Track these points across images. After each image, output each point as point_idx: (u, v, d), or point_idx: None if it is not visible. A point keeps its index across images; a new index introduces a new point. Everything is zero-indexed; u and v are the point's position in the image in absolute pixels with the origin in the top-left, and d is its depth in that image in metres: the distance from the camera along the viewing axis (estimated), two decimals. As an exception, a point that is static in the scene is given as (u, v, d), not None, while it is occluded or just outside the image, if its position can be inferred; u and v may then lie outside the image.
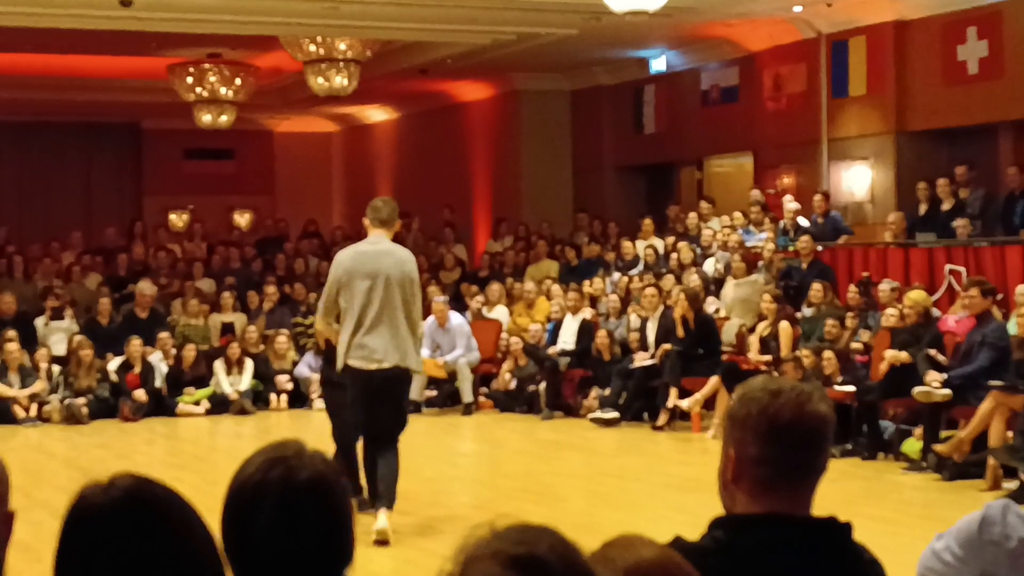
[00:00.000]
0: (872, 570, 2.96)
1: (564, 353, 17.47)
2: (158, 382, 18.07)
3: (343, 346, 9.46)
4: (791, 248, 17.23)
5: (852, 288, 15.64)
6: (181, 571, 2.26)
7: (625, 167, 23.33)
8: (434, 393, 18.26)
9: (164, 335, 18.57)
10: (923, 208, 17.02)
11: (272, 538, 2.64)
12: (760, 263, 17.25)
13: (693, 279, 17.02)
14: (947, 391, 12.31)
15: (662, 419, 15.67)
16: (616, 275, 19.00)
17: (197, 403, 18.07)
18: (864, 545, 2.96)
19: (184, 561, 2.26)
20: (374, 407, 9.41)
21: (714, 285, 17.42)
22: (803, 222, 17.71)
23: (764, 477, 2.88)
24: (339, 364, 9.55)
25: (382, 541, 9.06)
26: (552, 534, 1.98)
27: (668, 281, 17.33)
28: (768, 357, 15.18)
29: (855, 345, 14.65)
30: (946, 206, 16.68)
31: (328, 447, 10.18)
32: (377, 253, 9.56)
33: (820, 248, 17.06)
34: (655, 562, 2.24)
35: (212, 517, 2.73)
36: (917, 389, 12.43)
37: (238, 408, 17.92)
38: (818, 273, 16.39)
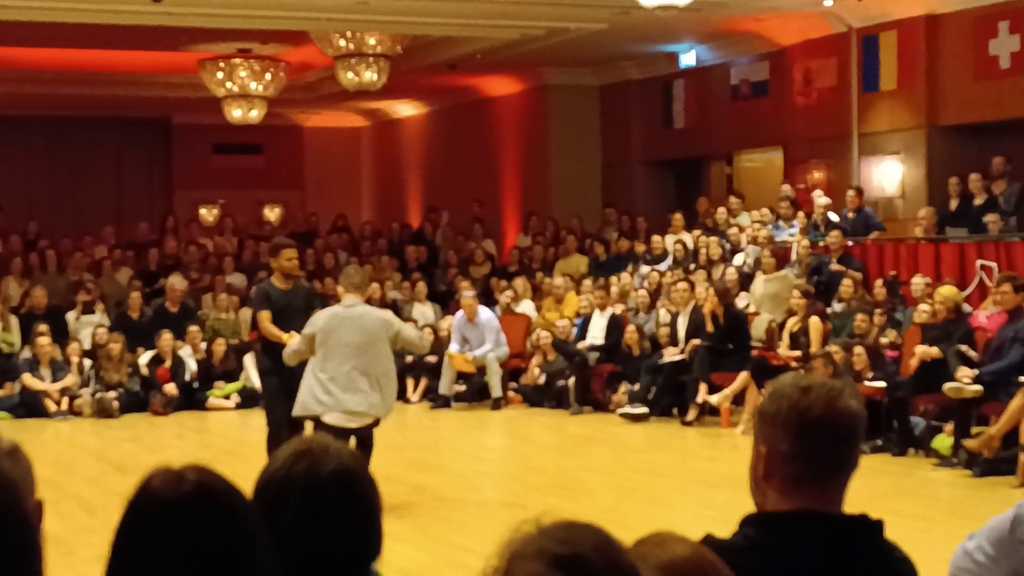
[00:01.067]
0: (903, 568, 2.95)
1: (593, 348, 17.46)
2: (188, 376, 18.14)
3: (312, 385, 10.18)
4: (821, 243, 17.16)
5: (879, 283, 15.60)
6: (243, 566, 2.26)
7: (654, 162, 23.29)
8: (463, 388, 18.28)
9: (194, 329, 18.64)
10: (954, 203, 16.94)
11: (299, 531, 2.66)
12: (794, 258, 17.19)
13: (730, 273, 16.98)
14: (978, 387, 12.27)
15: (691, 414, 15.65)
16: (645, 270, 18.98)
17: (227, 397, 18.13)
18: (895, 543, 2.95)
19: (248, 557, 2.26)
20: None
21: (743, 280, 17.37)
22: (833, 217, 17.64)
23: (795, 474, 2.86)
24: (303, 406, 10.22)
25: None
26: (597, 533, 1.97)
27: (700, 276, 17.28)
28: (798, 353, 15.15)
29: (885, 340, 14.60)
30: (978, 201, 16.60)
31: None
32: (354, 316, 10.34)
33: (851, 243, 17.00)
34: (689, 559, 2.24)
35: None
36: (948, 385, 12.39)
37: (268, 402, 17.94)
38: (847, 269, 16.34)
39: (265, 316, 11.06)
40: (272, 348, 10.92)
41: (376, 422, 10.37)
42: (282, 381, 10.81)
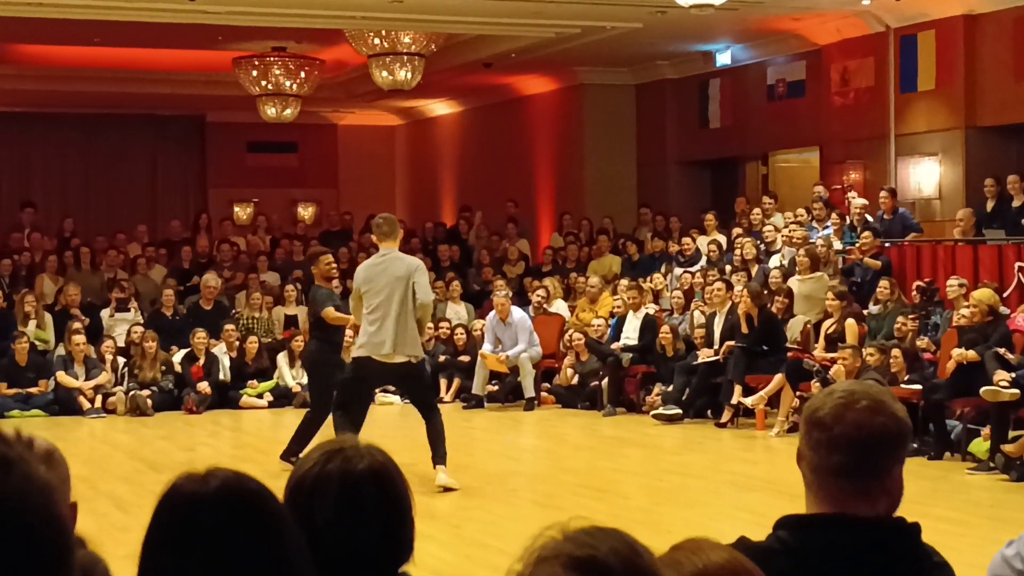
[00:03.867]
0: (941, 573, 2.91)
1: (627, 349, 17.39)
2: (222, 374, 18.16)
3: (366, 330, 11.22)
4: (856, 245, 17.06)
5: (915, 285, 15.51)
6: (274, 565, 2.23)
7: (689, 162, 23.22)
8: (496, 388, 18.25)
9: (230, 327, 18.66)
10: (990, 204, 16.80)
11: (336, 528, 2.67)
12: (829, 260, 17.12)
13: (774, 275, 16.89)
14: (1015, 390, 12.17)
15: (726, 416, 15.59)
16: (678, 270, 18.91)
17: (260, 396, 18.14)
18: (932, 547, 2.90)
19: (277, 555, 2.23)
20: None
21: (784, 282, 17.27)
22: (870, 218, 17.54)
23: (820, 481, 2.86)
24: (355, 352, 11.38)
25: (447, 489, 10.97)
26: (619, 536, 1.95)
27: (738, 278, 17.19)
28: (834, 355, 15.05)
29: (921, 343, 14.50)
30: (1016, 202, 16.47)
31: (388, 442, 10.32)
32: (387, 261, 11.30)
33: (887, 245, 16.89)
34: (723, 566, 2.21)
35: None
36: (985, 388, 12.28)
37: (301, 401, 17.94)
38: (880, 270, 16.26)
39: (331, 310, 12.29)
40: (333, 341, 12.24)
41: (421, 361, 11.57)
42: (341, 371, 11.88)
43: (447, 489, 10.99)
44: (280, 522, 2.26)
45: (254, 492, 2.27)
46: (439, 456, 11.16)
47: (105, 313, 19.11)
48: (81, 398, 17.41)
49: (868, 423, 2.84)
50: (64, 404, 17.42)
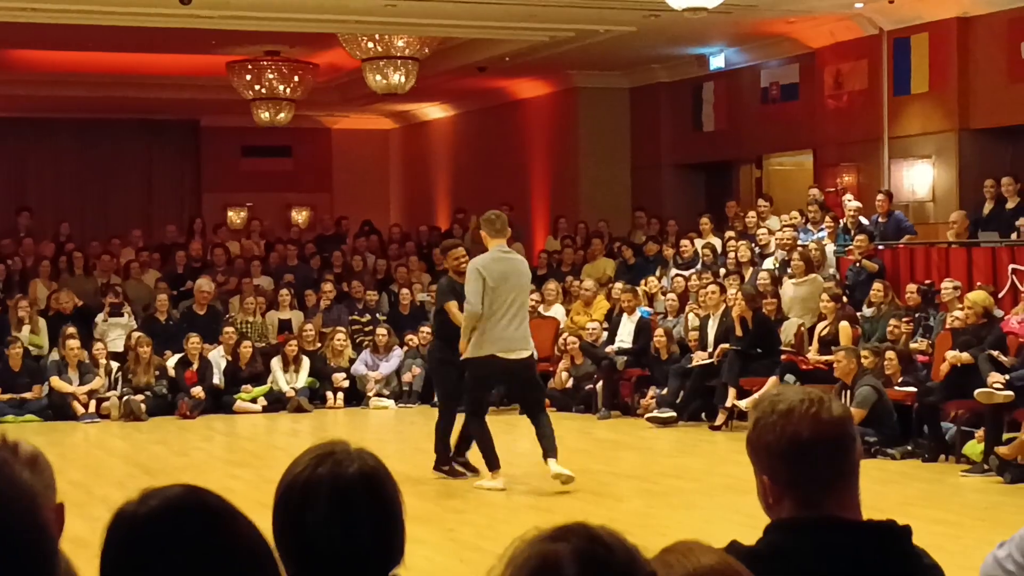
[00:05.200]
0: (933, 575, 2.90)
1: (621, 352, 17.39)
2: (216, 378, 18.15)
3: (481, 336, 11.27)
4: (849, 247, 17.07)
5: (911, 287, 15.50)
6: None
7: (684, 165, 23.22)
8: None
9: (229, 330, 18.64)
10: (988, 207, 16.80)
11: (327, 532, 2.66)
12: (826, 262, 17.13)
13: (762, 277, 16.89)
14: (1009, 392, 12.18)
15: (720, 419, 15.59)
16: (673, 273, 18.91)
17: (254, 400, 18.13)
18: (924, 549, 2.91)
19: (232, 568, 2.20)
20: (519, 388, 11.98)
21: (775, 285, 17.28)
22: (864, 221, 17.54)
23: (803, 495, 2.86)
24: (477, 352, 11.33)
25: (566, 480, 11.19)
26: (582, 533, 1.96)
27: (731, 281, 17.19)
28: (828, 357, 15.05)
29: (915, 345, 14.51)
30: (1010, 204, 16.47)
31: (383, 446, 10.43)
32: (511, 261, 11.54)
33: (881, 247, 16.89)
34: (714, 569, 2.21)
35: (270, 514, 2.71)
36: (979, 390, 12.29)
37: (295, 406, 17.97)
38: (870, 273, 16.26)
39: (453, 305, 12.07)
40: (451, 340, 11.94)
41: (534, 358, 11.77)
42: (460, 372, 11.88)
43: (565, 480, 11.22)
44: (231, 536, 2.22)
45: (197, 507, 2.23)
46: (551, 450, 11.34)
47: (99, 318, 19.09)
48: (75, 403, 17.39)
49: (837, 417, 2.86)
50: (58, 409, 17.39)
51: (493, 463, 11.57)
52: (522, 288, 11.49)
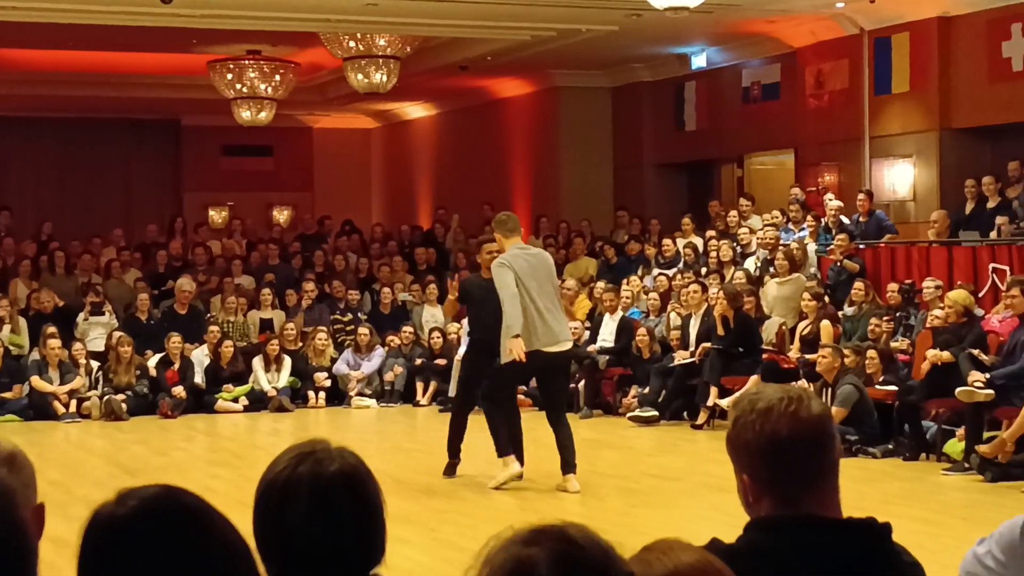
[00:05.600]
0: (912, 572, 2.92)
1: (603, 351, 17.39)
2: (198, 378, 18.11)
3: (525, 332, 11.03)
4: (830, 247, 17.09)
5: (892, 286, 15.53)
6: None
7: (665, 164, 23.24)
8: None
9: (213, 328, 18.60)
10: (969, 206, 16.84)
11: (307, 531, 2.66)
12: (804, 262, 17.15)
13: (738, 276, 16.90)
14: (990, 391, 12.20)
15: (702, 418, 15.60)
16: (655, 272, 18.92)
17: (235, 400, 18.09)
18: (904, 547, 2.91)
19: (209, 568, 2.20)
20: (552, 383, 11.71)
21: (753, 284, 17.29)
22: (845, 220, 17.57)
23: (783, 492, 2.86)
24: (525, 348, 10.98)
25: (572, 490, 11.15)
26: (577, 524, 1.94)
27: (713, 280, 17.21)
28: (811, 356, 15.07)
29: (896, 344, 14.53)
30: (991, 204, 16.52)
31: (364, 446, 10.41)
32: (535, 255, 11.57)
33: (862, 247, 16.92)
34: (694, 567, 2.21)
35: (250, 514, 2.70)
36: (960, 389, 12.31)
37: (276, 405, 17.94)
38: (852, 273, 16.29)
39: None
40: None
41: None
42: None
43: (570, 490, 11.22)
44: (208, 536, 2.21)
45: (174, 508, 2.22)
46: (571, 465, 11.38)
47: (80, 317, 19.02)
48: (56, 403, 17.32)
49: (815, 415, 2.86)
50: (39, 409, 17.33)
51: (504, 449, 11.63)
52: (550, 277, 11.43)
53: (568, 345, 11.48)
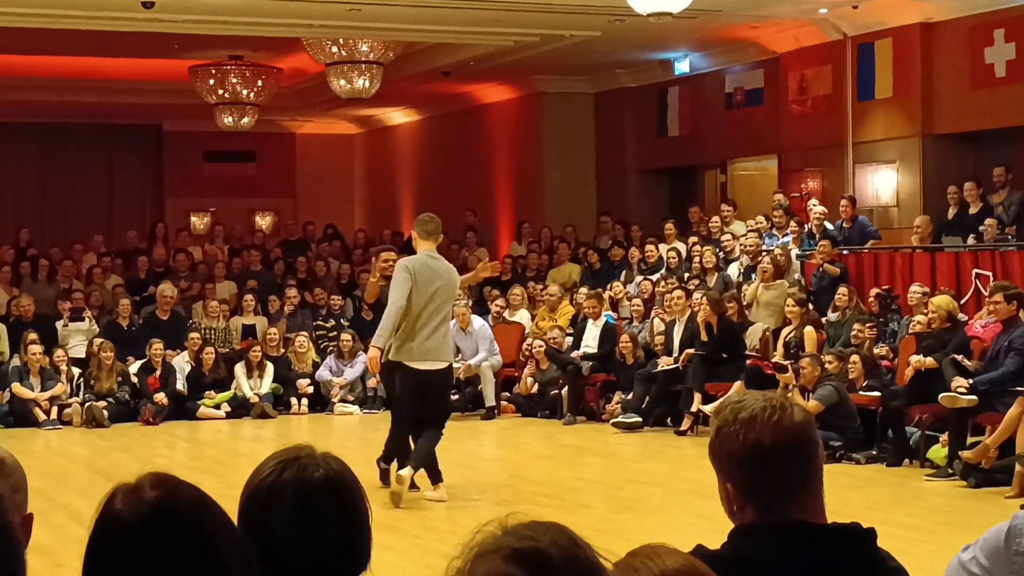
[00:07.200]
0: (897, 577, 2.90)
1: (587, 357, 17.37)
2: (179, 384, 18.04)
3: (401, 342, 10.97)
4: (812, 252, 17.09)
5: (875, 292, 15.55)
6: None
7: (648, 170, 23.24)
8: (455, 397, 18.18)
9: (194, 335, 18.54)
10: (951, 212, 16.87)
11: (292, 538, 2.65)
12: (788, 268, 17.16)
13: (731, 283, 16.93)
14: (973, 397, 12.21)
15: (685, 424, 15.59)
16: (639, 278, 18.91)
17: (218, 407, 18.03)
18: (888, 552, 2.90)
19: (215, 570, 2.18)
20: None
21: (736, 289, 17.30)
22: (828, 226, 17.58)
23: (767, 500, 2.85)
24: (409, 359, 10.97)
25: (396, 499, 10.65)
26: (559, 530, 1.98)
27: (696, 285, 17.20)
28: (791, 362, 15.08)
29: (877, 351, 14.54)
30: (973, 210, 16.54)
31: (347, 452, 10.35)
32: (443, 269, 11.28)
33: (845, 252, 16.93)
34: (680, 571, 2.20)
35: (233, 521, 2.68)
36: (943, 395, 12.32)
37: (259, 411, 17.89)
38: (834, 278, 16.29)
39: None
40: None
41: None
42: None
43: (395, 498, 10.71)
44: (219, 534, 2.21)
45: (190, 506, 2.22)
46: (417, 462, 10.96)
47: (60, 324, 18.95)
48: (36, 410, 17.24)
49: (798, 423, 2.85)
50: (19, 416, 17.24)
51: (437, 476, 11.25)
52: (448, 297, 11.21)
53: (444, 365, 11.14)
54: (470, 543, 1.94)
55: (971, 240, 15.97)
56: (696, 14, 16.41)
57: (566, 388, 17.28)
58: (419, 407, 11.09)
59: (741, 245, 17.93)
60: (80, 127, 27.11)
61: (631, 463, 14.06)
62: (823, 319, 15.79)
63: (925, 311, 13.83)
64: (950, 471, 12.05)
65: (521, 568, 1.89)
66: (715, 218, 19.46)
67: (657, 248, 19.44)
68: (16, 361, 17.90)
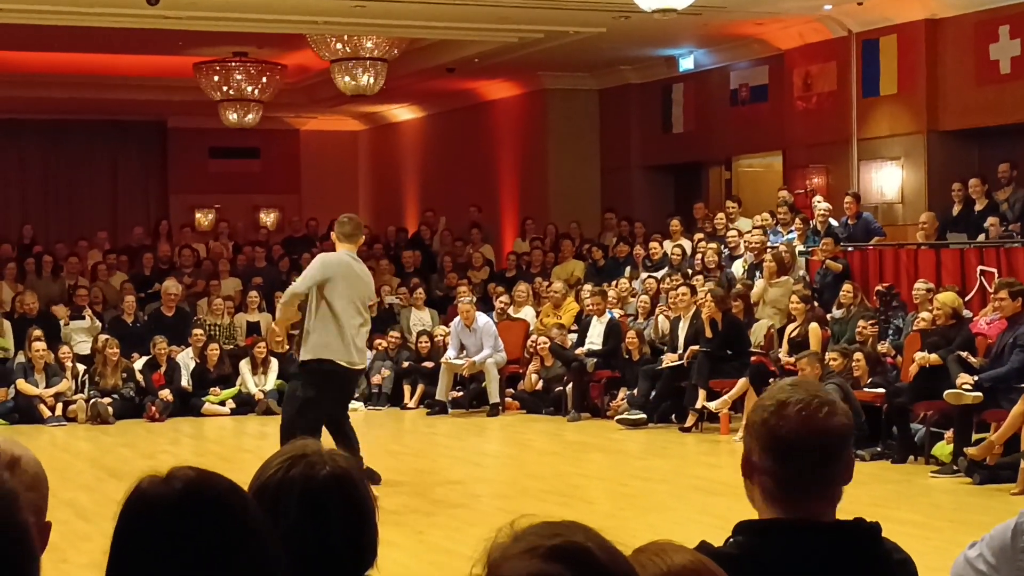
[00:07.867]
0: (903, 569, 2.93)
1: (591, 353, 17.37)
2: (184, 381, 18.05)
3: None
4: (815, 249, 17.09)
5: (876, 290, 15.55)
6: (245, 566, 2.18)
7: (653, 167, 23.23)
8: (460, 394, 18.20)
9: (198, 332, 18.53)
10: (956, 208, 16.85)
11: (299, 535, 2.64)
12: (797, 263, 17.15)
13: (738, 279, 16.90)
14: (978, 393, 12.21)
15: (690, 420, 15.58)
16: (643, 275, 18.90)
17: (222, 403, 18.04)
18: (895, 543, 2.91)
19: (247, 556, 2.18)
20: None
21: (742, 286, 17.28)
22: (833, 223, 17.56)
23: (771, 488, 2.85)
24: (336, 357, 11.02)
25: None
26: (580, 526, 1.93)
27: (701, 282, 17.19)
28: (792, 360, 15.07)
29: (881, 348, 14.53)
30: (979, 206, 16.52)
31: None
32: (361, 271, 11.44)
33: (850, 249, 16.92)
34: (687, 568, 2.20)
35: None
36: (948, 391, 12.32)
37: (263, 408, 17.89)
38: (838, 275, 16.28)
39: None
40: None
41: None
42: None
43: None
44: (249, 521, 2.21)
45: (220, 492, 2.21)
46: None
47: (62, 321, 18.94)
48: (41, 406, 17.26)
49: (827, 426, 2.83)
50: (24, 412, 17.26)
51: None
52: (366, 300, 11.41)
53: (363, 365, 11.65)
54: (487, 549, 1.88)
55: (977, 237, 15.96)
56: (701, 10, 16.39)
57: (571, 385, 17.27)
58: (339, 406, 11.37)
59: (746, 242, 17.91)
60: (85, 124, 27.13)
61: (635, 459, 14.06)
62: (828, 316, 15.78)
63: (930, 308, 13.82)
64: (955, 468, 12.04)
65: (563, 564, 1.84)
66: (720, 215, 19.45)
67: (662, 245, 19.44)
68: (21, 357, 17.92)
